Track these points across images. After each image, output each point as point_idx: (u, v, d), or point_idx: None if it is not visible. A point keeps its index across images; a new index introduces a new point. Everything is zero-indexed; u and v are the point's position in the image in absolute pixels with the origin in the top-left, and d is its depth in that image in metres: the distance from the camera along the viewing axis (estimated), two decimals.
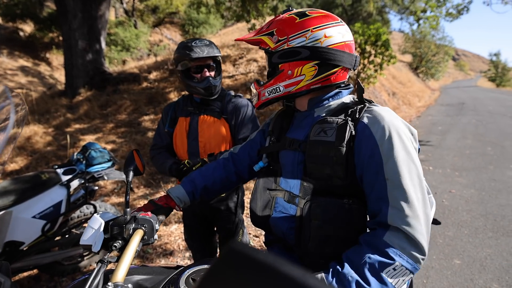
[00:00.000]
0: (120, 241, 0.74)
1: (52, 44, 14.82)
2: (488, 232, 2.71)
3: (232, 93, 1.60)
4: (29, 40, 14.55)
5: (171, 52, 11.34)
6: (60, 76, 13.74)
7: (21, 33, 14.66)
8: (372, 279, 0.64)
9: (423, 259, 0.67)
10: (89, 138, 5.30)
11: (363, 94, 0.86)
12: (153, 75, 8.15)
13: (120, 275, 0.61)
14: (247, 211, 3.37)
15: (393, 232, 0.68)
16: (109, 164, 2.03)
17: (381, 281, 0.64)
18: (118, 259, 0.67)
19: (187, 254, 2.51)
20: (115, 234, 0.76)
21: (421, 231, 0.67)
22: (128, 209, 0.79)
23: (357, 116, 0.78)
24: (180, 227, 2.90)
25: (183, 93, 6.79)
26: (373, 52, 6.85)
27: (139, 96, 7.13)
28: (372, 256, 0.67)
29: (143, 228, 0.78)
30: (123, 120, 6.27)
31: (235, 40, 0.97)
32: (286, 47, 0.83)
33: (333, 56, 0.81)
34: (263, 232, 2.93)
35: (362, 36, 6.80)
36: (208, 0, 9.97)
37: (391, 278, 0.65)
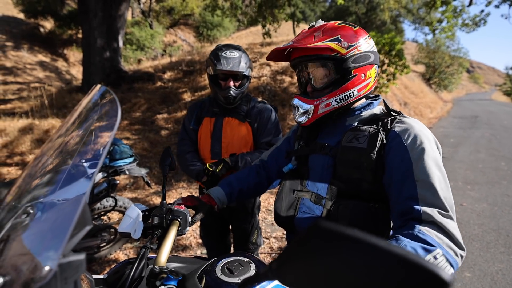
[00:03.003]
0: (159, 230, 0.80)
1: (70, 41, 15.24)
2: (500, 247, 2.68)
3: (258, 99, 1.65)
4: (48, 37, 14.99)
5: (185, 53, 11.53)
6: (76, 72, 14.09)
7: (42, 29, 15.12)
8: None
9: (462, 256, 0.67)
10: (104, 135, 5.43)
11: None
12: (167, 75, 8.30)
13: (162, 259, 0.66)
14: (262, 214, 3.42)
15: (428, 225, 0.68)
16: (131, 159, 2.10)
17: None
18: (159, 246, 0.73)
19: (199, 251, 2.56)
20: (156, 223, 0.82)
21: (455, 227, 0.68)
22: (165, 201, 0.85)
23: (388, 127, 0.82)
24: (192, 226, 2.96)
25: (199, 94, 6.90)
26: (386, 61, 6.85)
27: (153, 95, 7.28)
28: (411, 242, 0.65)
29: (179, 219, 0.84)
30: (137, 118, 6.40)
31: (287, 46, 0.88)
32: (357, 52, 0.86)
33: (378, 60, 0.92)
34: (273, 235, 2.94)
35: (376, 45, 6.80)
36: (224, 3, 10.14)
37: None
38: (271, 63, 8.52)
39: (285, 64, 8.60)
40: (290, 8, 7.46)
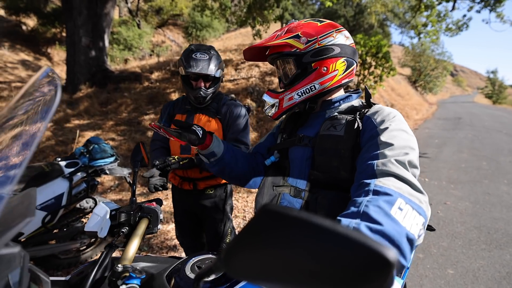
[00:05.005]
0: (127, 228, 0.76)
1: (54, 39, 14.84)
2: (482, 244, 2.74)
3: (229, 97, 1.66)
4: (31, 35, 14.55)
5: (173, 53, 11.41)
6: (60, 71, 13.71)
7: (24, 27, 14.67)
8: (383, 219, 0.54)
9: (425, 202, 0.62)
10: (88, 135, 5.30)
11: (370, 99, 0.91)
12: (154, 75, 8.18)
13: (128, 258, 0.63)
14: (248, 215, 3.38)
15: (383, 177, 0.64)
16: (112, 159, 2.04)
17: (394, 221, 0.54)
18: (125, 244, 0.69)
19: (183, 254, 2.51)
20: (123, 221, 0.78)
21: (412, 176, 0.65)
22: (134, 198, 0.81)
23: (364, 113, 0.84)
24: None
25: (184, 94, 6.83)
26: (373, 63, 6.96)
27: (140, 95, 7.15)
28: (371, 198, 0.60)
29: (149, 217, 0.81)
30: (123, 118, 6.27)
31: (253, 46, 0.95)
32: (317, 46, 0.88)
33: (354, 53, 0.92)
34: None
35: (363, 47, 6.92)
36: (213, 4, 10.09)
37: (403, 219, 0.55)
38: (260, 64, 8.53)
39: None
40: (279, 10, 7.49)
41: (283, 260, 0.27)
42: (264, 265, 0.28)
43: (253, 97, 6.97)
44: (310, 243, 0.26)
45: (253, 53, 0.99)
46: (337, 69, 0.89)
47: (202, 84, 1.50)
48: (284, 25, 8.47)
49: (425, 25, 8.21)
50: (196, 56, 1.46)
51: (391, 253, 0.24)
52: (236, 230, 1.75)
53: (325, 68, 0.88)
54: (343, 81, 0.91)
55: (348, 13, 23.44)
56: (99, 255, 0.63)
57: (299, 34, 0.88)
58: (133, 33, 14.99)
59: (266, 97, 0.97)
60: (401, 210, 0.56)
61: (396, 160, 0.66)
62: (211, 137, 0.98)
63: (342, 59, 0.89)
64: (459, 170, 5.06)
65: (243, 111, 1.61)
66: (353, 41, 0.94)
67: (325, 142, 0.83)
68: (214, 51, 1.55)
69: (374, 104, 0.88)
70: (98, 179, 2.22)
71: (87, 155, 1.94)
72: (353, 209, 0.59)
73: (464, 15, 8.34)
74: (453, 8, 7.39)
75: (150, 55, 14.34)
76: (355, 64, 0.93)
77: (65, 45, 9.83)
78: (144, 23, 17.70)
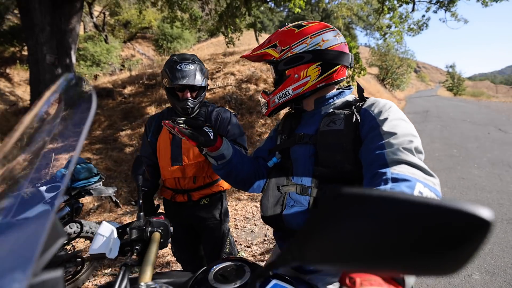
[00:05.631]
0: (140, 244, 0.72)
1: (13, 58, 14.00)
2: None
3: (215, 105, 1.64)
4: None
5: (145, 67, 11.17)
6: (23, 92, 12.93)
7: None
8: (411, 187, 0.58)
9: (438, 184, 0.65)
10: (63, 158, 5.01)
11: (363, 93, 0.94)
12: (128, 90, 7.96)
13: (147, 275, 0.59)
14: (240, 223, 3.33)
15: (396, 165, 0.66)
16: (97, 178, 1.93)
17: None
18: (141, 262, 0.65)
19: (179, 269, 2.42)
20: (135, 237, 0.73)
21: (421, 161, 0.67)
22: (142, 213, 0.78)
23: (359, 106, 0.87)
24: None
25: (164, 106, 6.67)
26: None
27: (114, 111, 6.91)
28: (393, 185, 0.62)
29: (160, 231, 0.77)
30: (97, 136, 6.02)
31: (241, 57, 1.08)
32: (289, 54, 0.92)
33: (333, 56, 0.91)
34: (254, 242, 2.88)
35: None
36: (184, 15, 10.04)
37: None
38: (235, 72, 8.58)
39: (249, 72, 8.70)
40: (251, 18, 7.60)
41: (360, 238, 0.27)
42: (341, 247, 0.28)
43: (231, 105, 6.97)
44: (390, 217, 0.25)
45: (254, 58, 1.04)
46: (309, 75, 0.91)
47: (189, 95, 1.47)
48: (257, 32, 8.62)
49: (389, 26, 8.69)
50: (181, 67, 1.44)
51: (487, 212, 0.24)
52: (231, 236, 1.71)
53: (297, 75, 0.92)
54: (319, 86, 0.92)
55: (316, 18, 24.30)
56: (118, 276, 0.58)
57: (276, 44, 0.95)
58: (101, 48, 14.51)
59: (260, 97, 1.03)
60: (422, 194, 0.59)
61: (404, 148, 0.69)
62: (221, 139, 0.99)
63: (315, 65, 0.90)
64: (433, 159, 5.33)
65: (233, 116, 1.60)
66: (338, 42, 0.92)
67: (327, 137, 0.85)
68: (197, 60, 1.53)
69: (367, 98, 0.91)
70: (83, 201, 2.09)
71: (69, 176, 1.82)
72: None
73: (423, 16, 8.95)
74: (413, 9, 7.89)
75: (121, 69, 13.95)
76: (339, 66, 0.92)
77: (27, 64, 9.31)
78: (112, 38, 17.23)
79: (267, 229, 3.09)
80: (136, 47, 20.57)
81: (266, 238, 2.90)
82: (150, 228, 0.77)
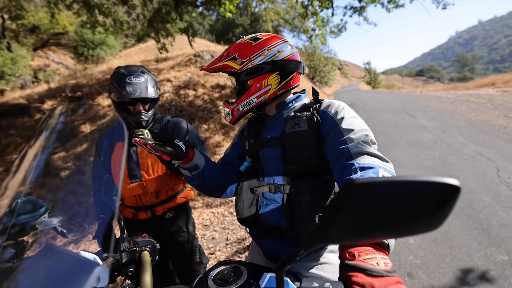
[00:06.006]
0: (132, 265, 0.69)
1: None
2: None
3: (167, 115, 1.61)
4: None
5: (66, 77, 9.98)
6: None
7: None
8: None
9: (392, 168, 0.77)
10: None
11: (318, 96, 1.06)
12: (48, 105, 7.02)
13: None
14: (199, 231, 3.25)
15: (359, 156, 0.78)
16: (42, 210, 1.66)
17: None
18: (138, 284, 0.62)
19: None
20: (127, 260, 0.70)
21: (377, 151, 0.80)
22: (125, 235, 0.75)
23: (317, 108, 0.98)
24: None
25: (100, 122, 6.04)
26: None
27: (33, 130, 6.01)
28: (362, 173, 0.72)
29: (148, 249, 0.75)
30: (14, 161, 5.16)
31: (201, 69, 1.08)
32: (250, 66, 0.98)
33: (289, 65, 1.00)
34: (217, 248, 2.86)
35: None
36: (106, 19, 9.24)
37: None
38: (172, 78, 8.29)
39: (186, 78, 8.50)
40: (183, 23, 7.42)
41: (377, 217, 0.35)
42: (356, 226, 0.36)
43: (171, 113, 6.73)
44: (396, 196, 0.34)
45: (213, 70, 1.05)
46: (270, 84, 0.99)
47: (141, 108, 1.41)
48: (190, 37, 8.47)
49: (313, 29, 9.46)
50: (131, 80, 1.37)
51: (455, 181, 0.34)
52: (199, 245, 1.69)
53: (259, 85, 0.99)
54: (279, 92, 1.01)
55: (245, 21, 24.92)
56: None
57: (236, 56, 1.00)
58: (3, 58, 12.40)
59: (223, 107, 1.10)
60: None
61: (363, 141, 0.82)
62: (193, 151, 1.00)
63: (274, 74, 0.98)
64: None
65: (189, 125, 1.58)
66: (291, 52, 1.01)
67: (294, 138, 0.93)
68: (146, 71, 1.47)
69: (322, 100, 1.02)
70: (27, 239, 1.78)
71: (8, 214, 1.54)
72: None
73: (342, 19, 9.98)
74: (333, 14, 8.77)
75: (34, 82, 12.16)
76: (295, 73, 1.01)
77: None
78: (17, 45, 14.87)
79: (227, 233, 3.10)
80: (50, 56, 18.17)
81: (228, 242, 2.91)
82: (138, 248, 0.75)
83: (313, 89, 1.08)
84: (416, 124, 7.45)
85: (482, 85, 14.25)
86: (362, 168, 0.74)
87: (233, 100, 1.07)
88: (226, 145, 5.94)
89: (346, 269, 0.51)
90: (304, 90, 1.13)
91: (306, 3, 8.48)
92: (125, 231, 0.79)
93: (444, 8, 8.06)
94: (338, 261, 0.91)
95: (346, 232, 0.37)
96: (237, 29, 26.20)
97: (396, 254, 2.40)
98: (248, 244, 2.83)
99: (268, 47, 0.98)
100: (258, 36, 1.02)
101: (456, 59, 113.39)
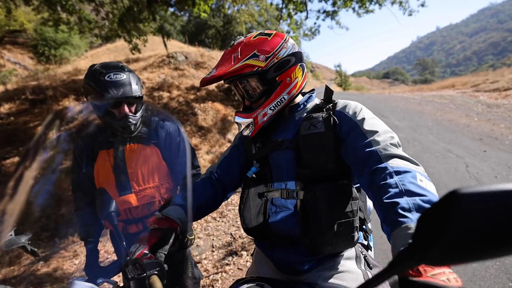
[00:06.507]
0: None
1: None
2: None
3: (155, 117, 1.46)
4: None
5: (25, 79, 9.21)
6: None
7: None
8: (423, 191, 0.61)
9: (424, 170, 0.71)
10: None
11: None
12: (5, 108, 6.42)
13: None
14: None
15: (389, 160, 0.72)
16: (9, 229, 1.45)
17: (427, 191, 0.62)
18: None
19: None
20: None
21: (406, 154, 0.76)
22: (128, 258, 0.64)
23: (332, 109, 0.92)
24: None
25: (67, 127, 5.59)
26: None
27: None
28: (400, 177, 0.65)
29: (156, 272, 0.67)
30: None
31: (202, 82, 0.90)
32: (276, 60, 0.91)
33: (303, 57, 0.98)
34: (203, 256, 2.72)
35: None
36: (69, 17, 8.63)
37: (430, 187, 0.64)
38: (144, 79, 7.96)
39: (159, 79, 8.19)
40: (156, 22, 7.15)
41: (485, 233, 0.29)
42: (465, 245, 0.30)
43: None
44: (506, 208, 0.28)
45: (206, 81, 0.91)
46: (298, 76, 0.95)
47: (127, 110, 1.25)
48: (165, 37, 8.17)
49: (288, 32, 9.58)
50: (111, 78, 1.20)
51: None
52: (192, 258, 1.57)
53: (288, 79, 0.93)
54: (303, 85, 0.98)
55: (218, 23, 24.71)
56: None
57: (256, 53, 0.89)
58: None
59: (238, 119, 0.96)
60: (422, 182, 0.65)
61: (391, 144, 0.76)
62: (173, 223, 0.86)
63: (298, 66, 0.95)
64: None
65: (180, 127, 1.46)
66: (296, 45, 0.99)
67: (310, 140, 0.87)
68: (126, 67, 1.31)
69: (334, 100, 0.97)
70: None
71: None
72: (393, 190, 0.63)
73: (315, 23, 10.19)
74: (306, 17, 8.94)
75: None
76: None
77: None
78: None
79: (212, 239, 2.98)
80: (5, 55, 16.72)
81: (213, 249, 2.79)
82: (146, 273, 0.65)
83: (327, 88, 1.01)
84: (389, 124, 7.76)
85: (443, 86, 15.26)
86: (398, 172, 0.67)
87: (248, 108, 0.97)
88: (204, 148, 5.78)
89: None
90: (313, 89, 1.08)
91: (280, 6, 8.57)
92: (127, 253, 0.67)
93: (410, 14, 8.51)
94: (357, 269, 0.87)
95: (452, 252, 0.31)
96: (209, 30, 25.89)
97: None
98: (233, 249, 2.74)
99: (285, 40, 0.95)
100: (266, 32, 0.96)
101: (418, 62, 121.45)
